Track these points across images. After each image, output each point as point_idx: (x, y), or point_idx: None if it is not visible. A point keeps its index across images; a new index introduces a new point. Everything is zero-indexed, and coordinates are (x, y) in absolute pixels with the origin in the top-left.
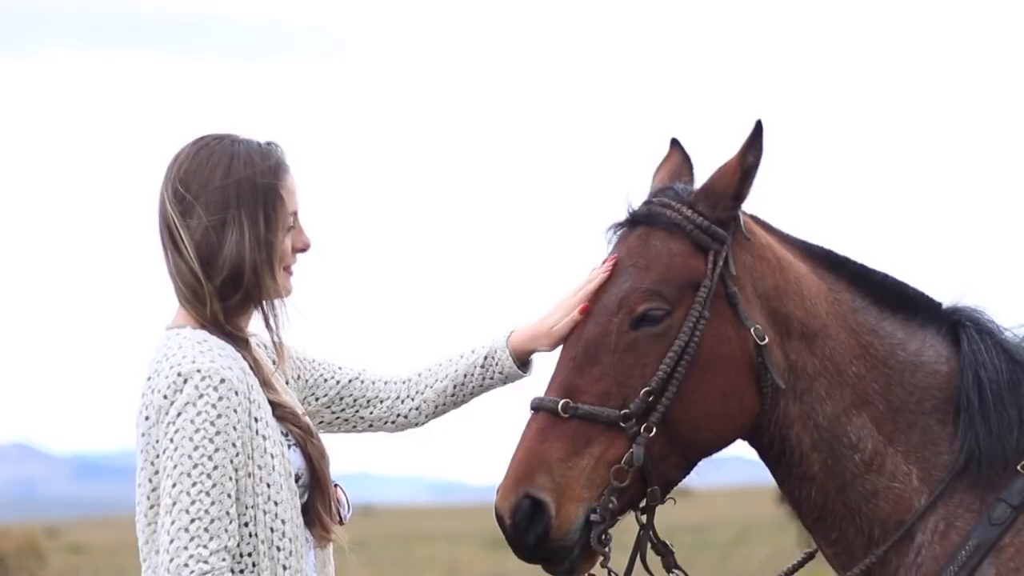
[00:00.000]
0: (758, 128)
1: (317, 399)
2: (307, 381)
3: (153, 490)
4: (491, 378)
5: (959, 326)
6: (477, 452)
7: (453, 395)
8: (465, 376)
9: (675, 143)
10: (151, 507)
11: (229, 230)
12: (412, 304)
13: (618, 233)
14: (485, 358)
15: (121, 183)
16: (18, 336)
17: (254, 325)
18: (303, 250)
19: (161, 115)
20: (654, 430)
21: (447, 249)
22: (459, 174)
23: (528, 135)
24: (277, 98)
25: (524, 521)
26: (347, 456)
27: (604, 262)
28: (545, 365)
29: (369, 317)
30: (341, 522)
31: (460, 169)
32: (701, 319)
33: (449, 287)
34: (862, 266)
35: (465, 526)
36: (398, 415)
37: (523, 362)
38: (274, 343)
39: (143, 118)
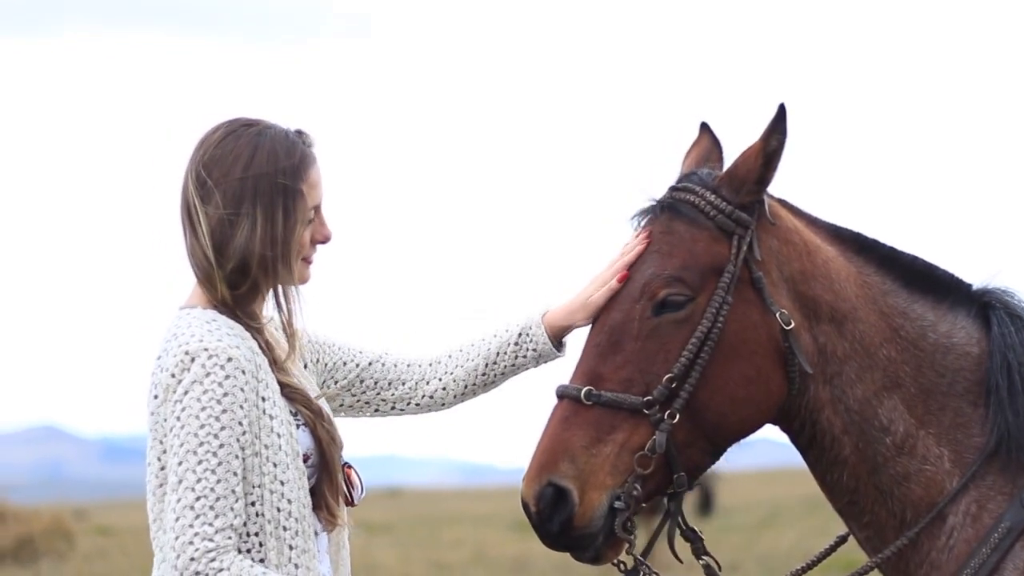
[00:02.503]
0: (781, 112)
1: (336, 382)
2: (326, 364)
3: (162, 469)
4: (524, 356)
5: (989, 308)
6: (505, 434)
7: (484, 374)
8: (498, 354)
9: (705, 127)
10: (159, 486)
11: (242, 223)
12: (436, 284)
13: (643, 220)
14: (520, 335)
15: (144, 164)
16: (46, 318)
17: (268, 321)
18: (323, 242)
19: (184, 97)
20: (677, 416)
21: (473, 232)
22: (484, 156)
23: (554, 119)
24: (301, 79)
25: (548, 509)
26: (375, 438)
27: (638, 235)
28: (577, 350)
29: (391, 298)
30: (352, 503)
31: (485, 151)
32: (724, 304)
33: (474, 268)
34: (891, 248)
35: (493, 509)
36: (423, 395)
37: (557, 341)
38: (285, 329)
39: (166, 100)
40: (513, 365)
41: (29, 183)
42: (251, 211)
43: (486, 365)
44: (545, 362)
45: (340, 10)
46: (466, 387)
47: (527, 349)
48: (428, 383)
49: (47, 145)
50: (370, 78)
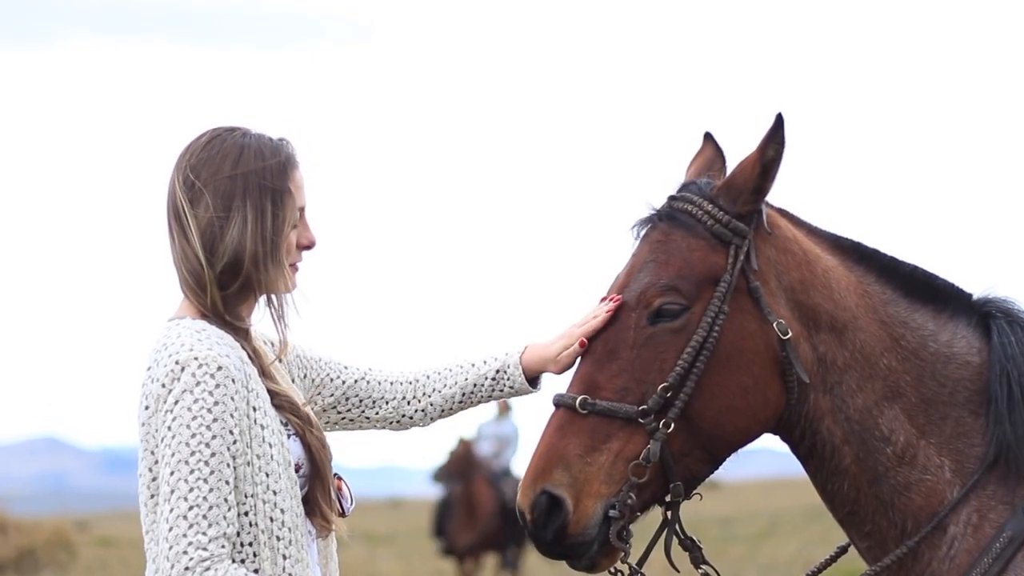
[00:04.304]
0: (778, 121)
1: (323, 399)
2: (313, 380)
3: (153, 479)
4: (500, 391)
5: (990, 317)
6: None
7: (461, 402)
8: (475, 386)
9: (708, 137)
10: (151, 497)
11: (233, 220)
12: (434, 292)
13: (642, 230)
14: (497, 371)
15: (145, 174)
16: (47, 329)
17: (259, 321)
18: (308, 247)
19: (185, 105)
20: (672, 425)
21: (472, 239)
22: (484, 164)
23: (555, 127)
24: (303, 88)
25: (542, 517)
26: (375, 449)
27: (609, 299)
28: (556, 380)
29: (392, 302)
30: (343, 514)
31: (485, 159)
32: (720, 314)
33: (473, 276)
34: (891, 258)
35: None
36: (403, 415)
37: (533, 378)
38: (278, 335)
39: (166, 109)
40: (489, 397)
41: (30, 194)
42: (241, 207)
43: (463, 394)
44: (520, 396)
45: (340, 17)
46: (442, 411)
47: (503, 385)
48: (409, 403)
49: (48, 156)
50: (371, 85)
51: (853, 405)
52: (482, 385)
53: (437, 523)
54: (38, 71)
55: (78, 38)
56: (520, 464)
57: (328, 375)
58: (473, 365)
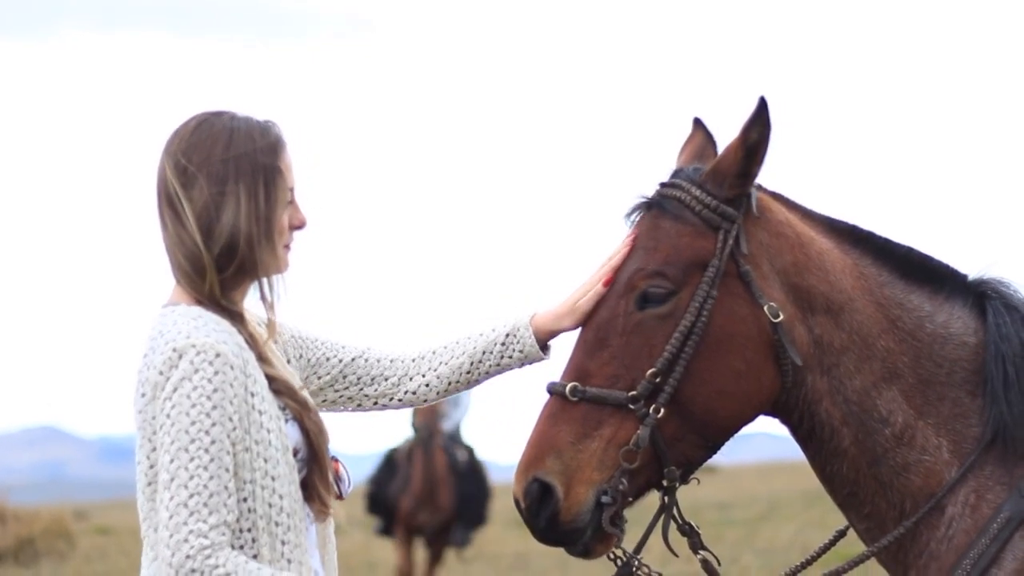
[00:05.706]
0: (762, 105)
1: (319, 378)
2: (309, 360)
3: (151, 467)
4: (509, 356)
5: (985, 298)
6: (503, 431)
7: (469, 372)
8: (484, 353)
9: (698, 123)
10: (149, 484)
11: (228, 202)
12: (437, 283)
13: (633, 217)
14: (507, 336)
15: (141, 165)
16: (45, 318)
17: (249, 303)
18: (299, 227)
19: (183, 97)
20: (662, 411)
21: (471, 231)
22: (485, 156)
23: (554, 118)
24: (301, 81)
25: (535, 504)
26: (371, 436)
27: (625, 238)
28: (564, 350)
29: (391, 298)
30: (341, 497)
31: (486, 151)
32: (708, 298)
33: (473, 268)
34: (886, 240)
35: (492, 505)
36: (406, 391)
37: (543, 345)
38: (267, 315)
39: (163, 101)
40: (498, 365)
41: (28, 185)
42: (235, 189)
43: (471, 364)
44: (530, 363)
45: (340, 9)
46: (449, 384)
47: (513, 350)
48: (411, 379)
49: (45, 148)
50: (370, 78)
51: (851, 387)
52: (491, 352)
53: (377, 495)
54: (34, 63)
55: (73, 30)
56: (471, 428)
57: (324, 354)
58: (481, 334)
